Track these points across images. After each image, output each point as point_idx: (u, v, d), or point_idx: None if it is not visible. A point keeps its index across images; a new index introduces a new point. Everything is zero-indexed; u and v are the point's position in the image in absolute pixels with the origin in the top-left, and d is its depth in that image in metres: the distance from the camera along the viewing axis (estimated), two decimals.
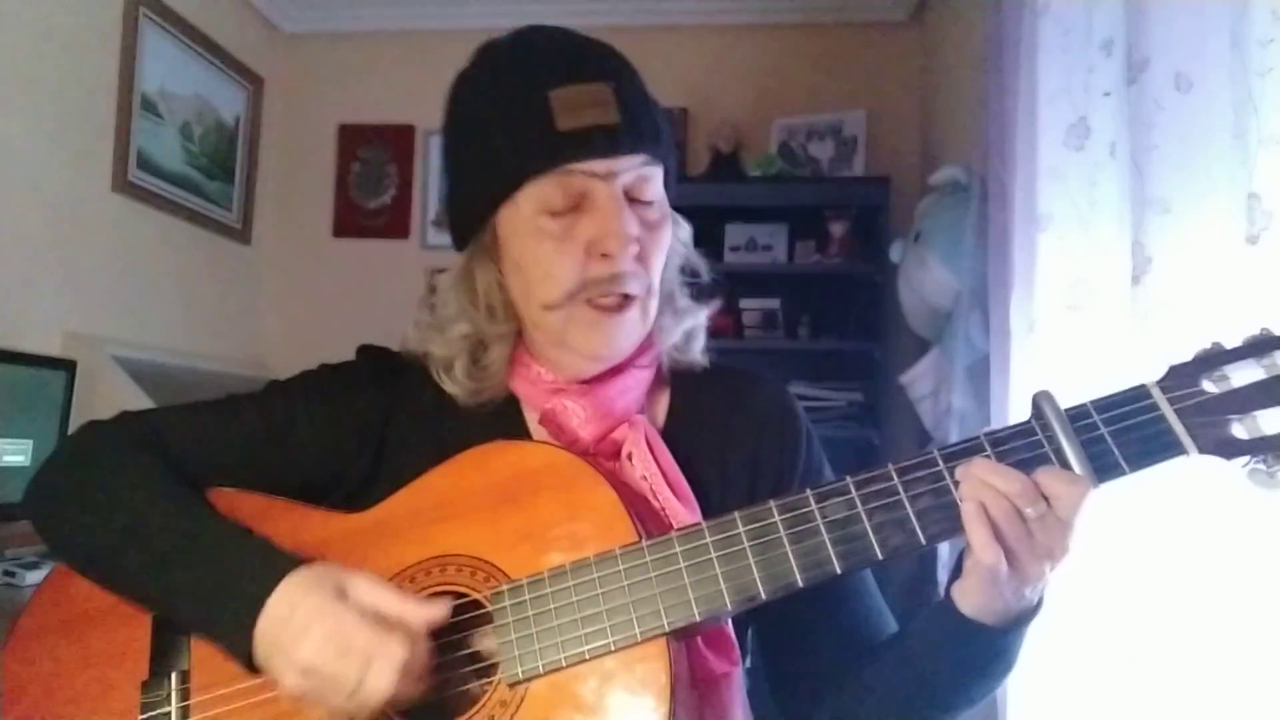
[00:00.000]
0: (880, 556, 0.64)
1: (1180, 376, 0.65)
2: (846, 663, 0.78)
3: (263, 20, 3.27)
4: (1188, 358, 0.66)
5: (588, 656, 0.65)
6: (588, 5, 3.11)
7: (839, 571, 0.64)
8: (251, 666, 0.67)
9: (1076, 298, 1.36)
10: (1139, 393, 0.65)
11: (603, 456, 0.79)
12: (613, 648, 0.65)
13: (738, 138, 3.01)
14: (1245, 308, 1.02)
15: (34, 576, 1.79)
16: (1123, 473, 0.63)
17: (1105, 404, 0.65)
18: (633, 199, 0.76)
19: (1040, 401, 0.65)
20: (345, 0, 3.25)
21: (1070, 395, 0.65)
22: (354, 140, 3.34)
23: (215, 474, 0.80)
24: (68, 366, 2.11)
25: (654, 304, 0.80)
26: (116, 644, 0.73)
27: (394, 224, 3.31)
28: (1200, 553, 1.09)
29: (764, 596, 0.65)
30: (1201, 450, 0.63)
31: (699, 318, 0.87)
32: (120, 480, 0.76)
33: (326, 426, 0.81)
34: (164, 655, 0.72)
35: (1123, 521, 1.17)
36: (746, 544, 0.66)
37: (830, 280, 2.90)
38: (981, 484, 0.63)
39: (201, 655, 0.71)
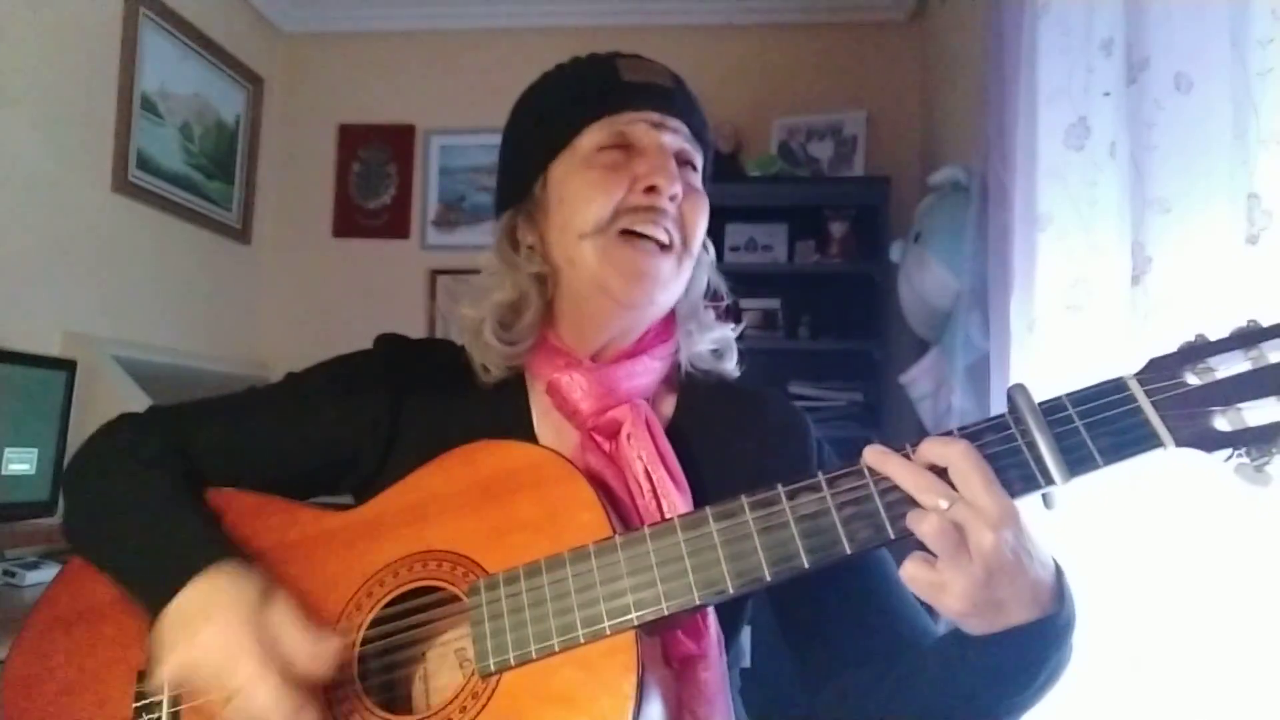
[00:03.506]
0: (849, 550, 0.64)
1: (1160, 369, 0.63)
2: (868, 651, 0.77)
3: (263, 20, 3.27)
4: (1171, 350, 0.64)
5: (557, 648, 0.66)
6: (588, 6, 3.10)
7: (806, 566, 0.64)
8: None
9: (1076, 298, 1.36)
10: (1116, 385, 0.64)
11: (601, 435, 0.81)
12: (581, 640, 0.66)
13: (738, 138, 3.02)
14: (1245, 308, 1.02)
15: (34, 576, 1.79)
16: (1096, 466, 0.62)
17: (1081, 397, 0.64)
18: (681, 161, 0.81)
19: (1014, 395, 0.64)
20: (345, 0, 3.26)
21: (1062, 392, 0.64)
22: (354, 140, 3.34)
23: (234, 465, 0.83)
24: (68, 366, 2.11)
25: (687, 269, 0.83)
26: (127, 633, 0.76)
27: (394, 224, 3.31)
28: (1190, 550, 1.09)
29: (731, 591, 0.65)
30: (1179, 443, 0.61)
31: (725, 332, 0.89)
32: (123, 477, 0.80)
33: (340, 417, 0.85)
34: None
35: (1111, 518, 1.17)
36: (716, 539, 0.66)
37: (830, 280, 2.90)
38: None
39: None
